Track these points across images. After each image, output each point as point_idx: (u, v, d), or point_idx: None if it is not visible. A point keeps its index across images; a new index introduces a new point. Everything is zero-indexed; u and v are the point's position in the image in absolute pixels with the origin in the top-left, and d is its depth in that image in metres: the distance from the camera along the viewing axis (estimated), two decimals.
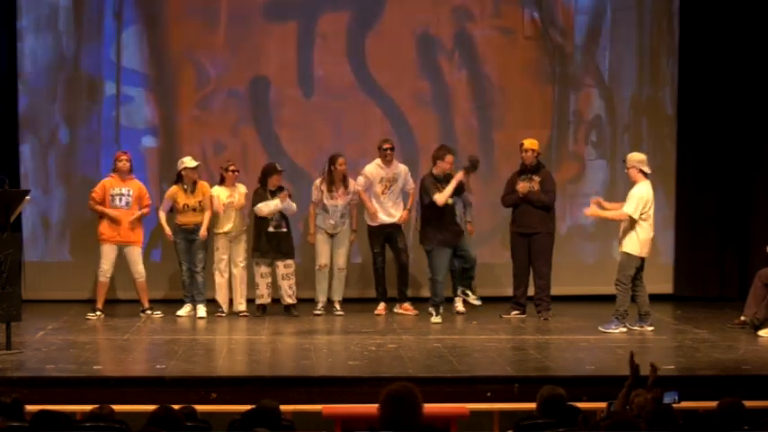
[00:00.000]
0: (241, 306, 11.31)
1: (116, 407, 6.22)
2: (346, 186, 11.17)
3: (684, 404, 6.17)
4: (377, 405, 4.76)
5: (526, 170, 11.05)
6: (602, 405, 6.42)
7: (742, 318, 10.45)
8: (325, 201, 11.18)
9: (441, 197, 10.33)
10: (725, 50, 12.10)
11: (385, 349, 9.36)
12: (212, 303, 11.32)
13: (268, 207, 10.98)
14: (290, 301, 11.26)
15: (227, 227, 11.23)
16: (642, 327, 10.37)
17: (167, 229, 11.16)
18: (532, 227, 11.05)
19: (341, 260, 11.43)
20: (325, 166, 10.90)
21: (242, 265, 11.32)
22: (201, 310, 11.22)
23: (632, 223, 10.06)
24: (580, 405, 6.17)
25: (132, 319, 11.00)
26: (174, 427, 5.48)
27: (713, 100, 12.51)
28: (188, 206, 11.12)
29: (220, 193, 11.19)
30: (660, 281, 12.49)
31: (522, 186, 10.87)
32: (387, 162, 11.17)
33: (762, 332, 10.07)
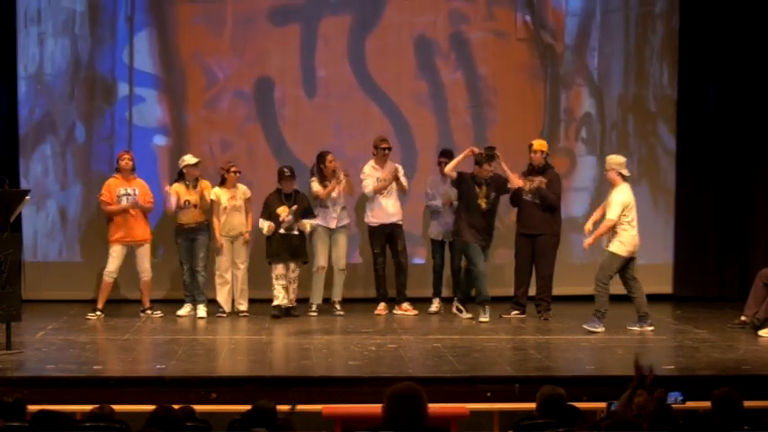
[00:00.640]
0: (241, 306, 11.31)
1: (116, 407, 6.21)
2: (338, 180, 11.13)
3: (685, 404, 6.17)
4: (377, 405, 4.75)
5: (534, 171, 11.04)
6: (602, 405, 6.41)
7: (742, 318, 10.45)
8: (326, 202, 11.17)
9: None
10: (724, 51, 12.17)
11: (385, 349, 9.35)
12: (213, 304, 11.31)
13: (262, 228, 10.98)
14: (291, 303, 11.24)
15: (228, 228, 11.22)
16: (642, 327, 10.36)
17: (175, 199, 10.72)
18: (537, 228, 11.06)
19: (341, 261, 11.41)
20: (315, 165, 10.89)
21: (243, 265, 11.31)
22: (202, 311, 11.21)
23: (616, 225, 10.05)
24: (580, 405, 6.16)
25: (132, 319, 10.99)
26: (173, 427, 5.48)
27: (713, 100, 12.54)
28: (189, 202, 11.10)
29: (221, 194, 11.19)
30: (660, 281, 12.52)
31: (529, 183, 10.79)
32: (382, 162, 11.18)
33: (762, 332, 10.06)
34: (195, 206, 11.13)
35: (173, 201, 10.99)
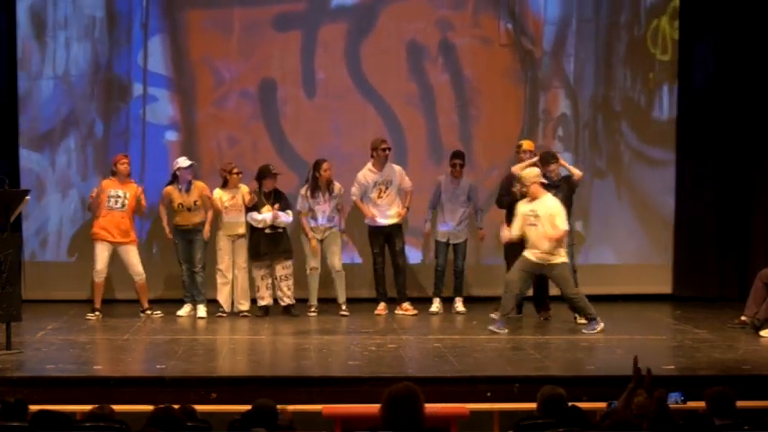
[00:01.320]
0: (242, 306, 11.31)
1: (116, 407, 6.20)
2: (332, 192, 11.12)
3: (686, 404, 6.17)
4: (377, 405, 4.76)
5: None
6: (602, 405, 6.41)
7: (742, 318, 10.43)
8: (313, 207, 11.16)
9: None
10: (727, 48, 12.22)
11: (385, 349, 9.35)
12: (213, 304, 11.30)
13: (255, 221, 11.01)
14: (288, 301, 11.27)
15: (230, 229, 11.22)
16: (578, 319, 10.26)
17: (165, 224, 11.09)
18: None
19: (336, 262, 11.40)
20: (310, 173, 10.88)
21: (244, 266, 11.31)
22: (202, 311, 11.21)
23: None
24: (580, 405, 6.15)
25: (132, 319, 10.99)
26: (173, 427, 5.47)
27: (713, 100, 12.55)
28: (183, 205, 11.12)
29: (222, 195, 11.19)
30: (660, 281, 12.53)
31: (518, 188, 10.90)
32: (380, 164, 11.10)
33: (763, 332, 10.04)
34: (189, 209, 11.13)
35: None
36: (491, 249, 12.15)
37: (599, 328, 10.13)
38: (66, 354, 9.32)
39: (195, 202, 11.14)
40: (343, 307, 11.39)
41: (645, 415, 5.60)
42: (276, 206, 11.08)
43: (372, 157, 10.91)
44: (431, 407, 5.07)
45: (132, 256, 11.19)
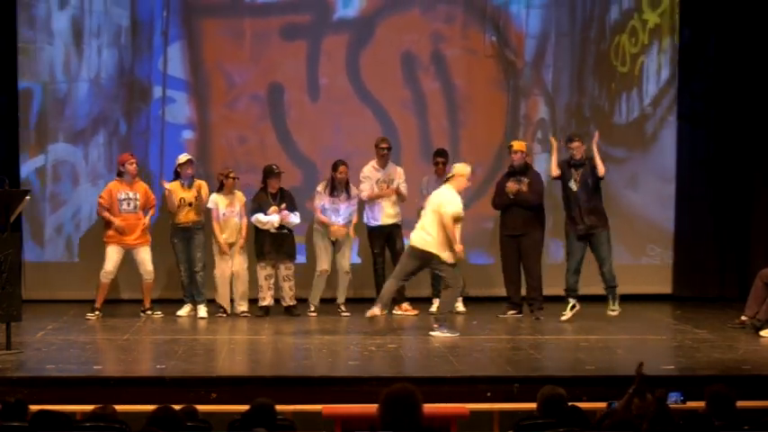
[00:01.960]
0: (242, 306, 11.31)
1: (116, 407, 6.19)
2: (349, 193, 11.19)
3: (685, 404, 6.16)
4: (377, 405, 4.75)
5: (514, 172, 11.17)
6: (602, 405, 6.40)
7: (742, 318, 10.43)
8: (328, 206, 11.18)
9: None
10: (725, 49, 12.29)
11: (385, 349, 9.35)
12: (213, 303, 11.30)
13: (261, 223, 11.04)
14: (290, 302, 11.27)
15: (226, 234, 11.21)
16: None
17: (175, 197, 10.94)
18: (520, 228, 11.11)
19: (346, 264, 11.41)
20: (331, 174, 11.10)
21: (243, 266, 11.31)
22: (202, 311, 11.21)
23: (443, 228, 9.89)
24: (580, 405, 6.15)
25: (132, 319, 10.99)
26: (174, 427, 5.47)
27: (713, 101, 12.57)
28: (184, 200, 11.14)
29: (219, 200, 11.19)
30: (660, 281, 12.56)
31: (511, 186, 10.99)
32: (382, 163, 11.33)
33: (763, 332, 10.03)
34: (190, 204, 11.15)
35: (174, 199, 11.05)
36: (491, 249, 12.19)
37: (448, 335, 9.98)
38: (67, 354, 9.32)
39: (195, 197, 11.16)
40: (343, 308, 11.40)
41: (645, 415, 5.60)
42: (282, 206, 11.08)
43: (376, 154, 11.19)
44: (431, 407, 5.07)
45: (145, 256, 11.20)
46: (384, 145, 11.24)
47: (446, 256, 9.89)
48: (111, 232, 11.13)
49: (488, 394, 7.86)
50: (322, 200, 11.23)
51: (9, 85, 11.33)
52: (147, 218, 11.21)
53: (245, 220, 11.29)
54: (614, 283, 10.97)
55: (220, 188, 11.23)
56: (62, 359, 9.01)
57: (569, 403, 5.91)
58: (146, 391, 7.74)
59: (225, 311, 11.24)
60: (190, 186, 11.18)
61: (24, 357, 8.90)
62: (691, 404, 6.36)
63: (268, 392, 6.80)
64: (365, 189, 11.32)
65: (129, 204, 11.10)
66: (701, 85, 12.39)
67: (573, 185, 10.89)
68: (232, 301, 11.35)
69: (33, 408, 5.93)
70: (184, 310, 11.31)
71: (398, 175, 11.39)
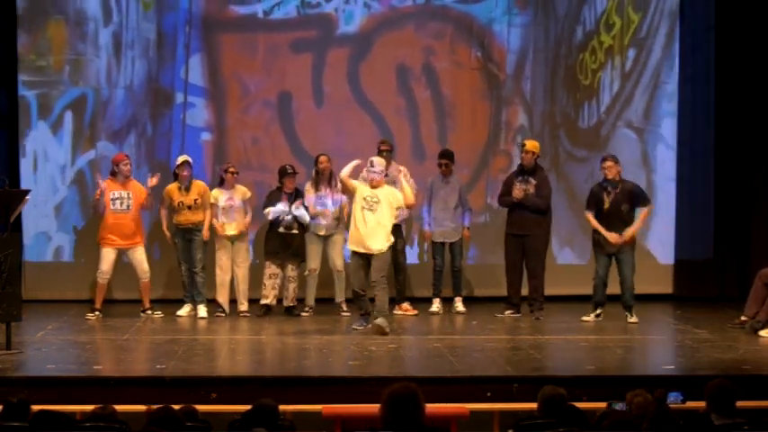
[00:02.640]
0: (243, 306, 11.31)
1: (116, 407, 6.18)
2: (333, 184, 11.21)
3: (685, 404, 6.16)
4: (377, 405, 4.75)
5: (524, 171, 11.17)
6: (602, 405, 6.39)
7: (742, 318, 10.43)
8: (314, 200, 11.18)
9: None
10: (728, 54, 12.26)
11: (385, 349, 9.34)
12: (213, 303, 11.30)
13: (271, 211, 11.07)
14: (291, 302, 11.27)
15: (228, 228, 11.25)
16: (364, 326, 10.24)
17: (165, 228, 11.28)
18: (526, 228, 11.13)
19: (338, 262, 11.42)
20: (314, 168, 11.33)
21: (243, 265, 11.32)
22: (202, 311, 11.21)
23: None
24: (580, 405, 6.14)
25: (132, 319, 10.99)
26: (174, 427, 5.47)
27: (712, 101, 12.59)
28: (183, 203, 11.17)
29: (219, 195, 11.23)
30: (660, 281, 12.59)
31: (518, 191, 11.01)
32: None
33: (763, 332, 10.04)
34: (189, 207, 11.16)
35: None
36: (490, 249, 12.22)
37: (365, 326, 10.14)
38: (66, 354, 9.33)
39: (195, 200, 11.18)
40: (344, 306, 11.40)
41: (645, 415, 5.60)
42: (297, 203, 11.10)
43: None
44: (431, 407, 5.07)
45: (139, 256, 11.21)
46: (384, 147, 11.37)
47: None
48: (103, 233, 11.14)
49: (488, 394, 7.85)
50: (309, 195, 11.28)
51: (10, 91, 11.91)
52: (138, 209, 11.16)
53: (248, 217, 11.30)
54: (631, 303, 10.91)
55: (221, 183, 11.33)
56: (62, 359, 9.01)
57: (569, 403, 5.90)
58: (146, 391, 7.73)
59: (224, 311, 11.24)
60: (188, 189, 11.20)
61: (24, 357, 8.90)
62: (691, 404, 6.35)
63: (268, 392, 6.80)
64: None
65: (121, 204, 11.12)
66: (701, 80, 12.55)
67: (605, 204, 10.86)
68: (233, 301, 11.35)
69: (34, 408, 5.93)
70: (184, 310, 11.31)
71: (400, 173, 11.40)
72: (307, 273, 11.40)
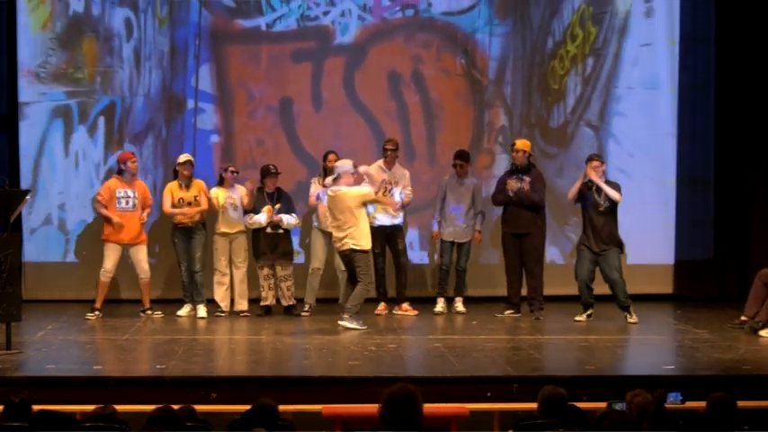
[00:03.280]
0: (241, 306, 11.31)
1: (116, 407, 6.18)
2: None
3: (684, 404, 6.16)
4: (377, 405, 4.76)
5: (517, 170, 11.21)
6: (602, 405, 6.39)
7: (742, 318, 10.42)
8: (322, 194, 11.22)
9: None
10: (727, 54, 12.26)
11: (385, 349, 9.34)
12: (212, 303, 11.31)
13: (250, 224, 11.24)
14: (289, 302, 11.28)
15: (226, 228, 11.26)
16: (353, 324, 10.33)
17: (174, 212, 11.29)
18: (523, 227, 11.15)
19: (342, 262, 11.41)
20: (322, 164, 11.62)
21: (242, 265, 11.33)
22: (202, 311, 11.21)
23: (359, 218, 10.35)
24: (580, 405, 6.14)
25: (132, 319, 10.99)
26: (174, 427, 5.47)
27: (711, 101, 12.60)
28: (183, 200, 11.20)
29: (219, 194, 11.26)
30: (660, 281, 12.62)
31: (511, 184, 11.05)
32: (389, 164, 11.51)
33: (763, 332, 10.03)
34: (189, 204, 11.19)
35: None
36: (491, 249, 12.28)
37: (356, 325, 10.25)
38: (66, 354, 9.33)
39: (195, 197, 11.21)
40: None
41: (645, 415, 5.60)
42: (277, 206, 11.15)
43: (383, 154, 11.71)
44: (431, 407, 5.07)
45: (141, 255, 11.23)
46: (389, 146, 11.56)
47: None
48: (108, 231, 11.17)
49: (488, 394, 7.85)
50: (316, 189, 11.36)
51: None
52: (145, 215, 11.29)
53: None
54: (626, 303, 10.89)
55: (221, 182, 11.40)
56: (62, 359, 9.01)
57: (569, 403, 5.90)
58: (146, 391, 7.73)
59: (223, 311, 11.24)
60: (188, 187, 11.24)
61: (24, 357, 8.90)
62: (690, 404, 6.35)
63: (268, 392, 6.79)
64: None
65: (127, 202, 11.16)
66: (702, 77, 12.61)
67: (600, 207, 10.85)
68: (232, 300, 11.35)
69: (34, 408, 5.92)
70: (184, 310, 11.31)
71: (404, 177, 11.54)
72: (310, 272, 11.42)
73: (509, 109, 12.67)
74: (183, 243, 11.26)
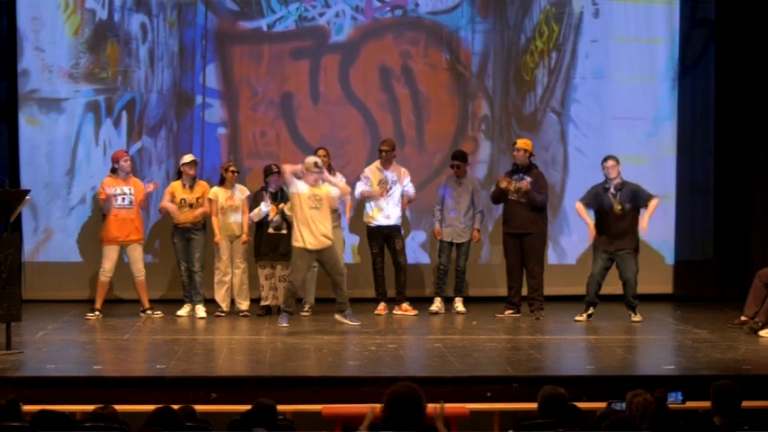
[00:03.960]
0: (242, 306, 11.31)
1: (116, 407, 6.18)
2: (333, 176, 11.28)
3: (684, 404, 6.16)
4: (377, 405, 4.75)
5: (518, 170, 11.21)
6: (602, 405, 6.40)
7: (742, 318, 10.42)
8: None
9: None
10: (729, 52, 12.27)
11: (385, 349, 9.34)
12: (212, 303, 11.30)
13: (255, 215, 11.28)
14: None
15: (227, 228, 11.26)
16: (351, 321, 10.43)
17: (173, 207, 11.32)
18: (524, 227, 11.16)
19: (340, 264, 11.39)
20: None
21: (242, 265, 11.32)
22: (201, 311, 11.21)
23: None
24: (580, 405, 6.14)
25: (132, 319, 11.00)
26: (173, 427, 5.47)
27: (711, 101, 12.61)
28: (185, 201, 11.21)
29: (219, 193, 11.26)
30: (660, 281, 12.64)
31: (510, 183, 11.05)
32: (385, 164, 11.53)
33: (763, 332, 10.04)
34: (191, 205, 11.20)
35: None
36: (491, 249, 12.30)
37: (355, 323, 10.36)
38: (66, 354, 9.33)
39: (198, 198, 11.22)
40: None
41: (645, 415, 5.60)
42: (282, 206, 11.15)
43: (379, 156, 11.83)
44: (431, 407, 5.07)
45: (137, 254, 11.24)
46: (383, 147, 11.61)
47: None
48: (106, 231, 11.17)
49: (488, 394, 7.85)
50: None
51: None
52: (138, 206, 11.27)
53: (246, 217, 11.32)
54: (634, 303, 10.92)
55: (222, 182, 11.40)
56: (62, 359, 9.00)
57: (569, 403, 5.90)
58: (146, 391, 7.73)
59: (223, 311, 11.23)
60: (191, 187, 11.25)
61: (24, 357, 8.89)
62: (691, 404, 6.35)
63: (268, 392, 6.80)
64: (358, 187, 11.56)
65: (123, 199, 11.19)
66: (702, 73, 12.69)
67: (616, 209, 10.87)
68: (232, 300, 11.35)
69: (34, 408, 5.93)
70: (184, 310, 11.31)
71: (403, 175, 11.55)
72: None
73: (491, 99, 13.35)
74: (183, 243, 11.26)
